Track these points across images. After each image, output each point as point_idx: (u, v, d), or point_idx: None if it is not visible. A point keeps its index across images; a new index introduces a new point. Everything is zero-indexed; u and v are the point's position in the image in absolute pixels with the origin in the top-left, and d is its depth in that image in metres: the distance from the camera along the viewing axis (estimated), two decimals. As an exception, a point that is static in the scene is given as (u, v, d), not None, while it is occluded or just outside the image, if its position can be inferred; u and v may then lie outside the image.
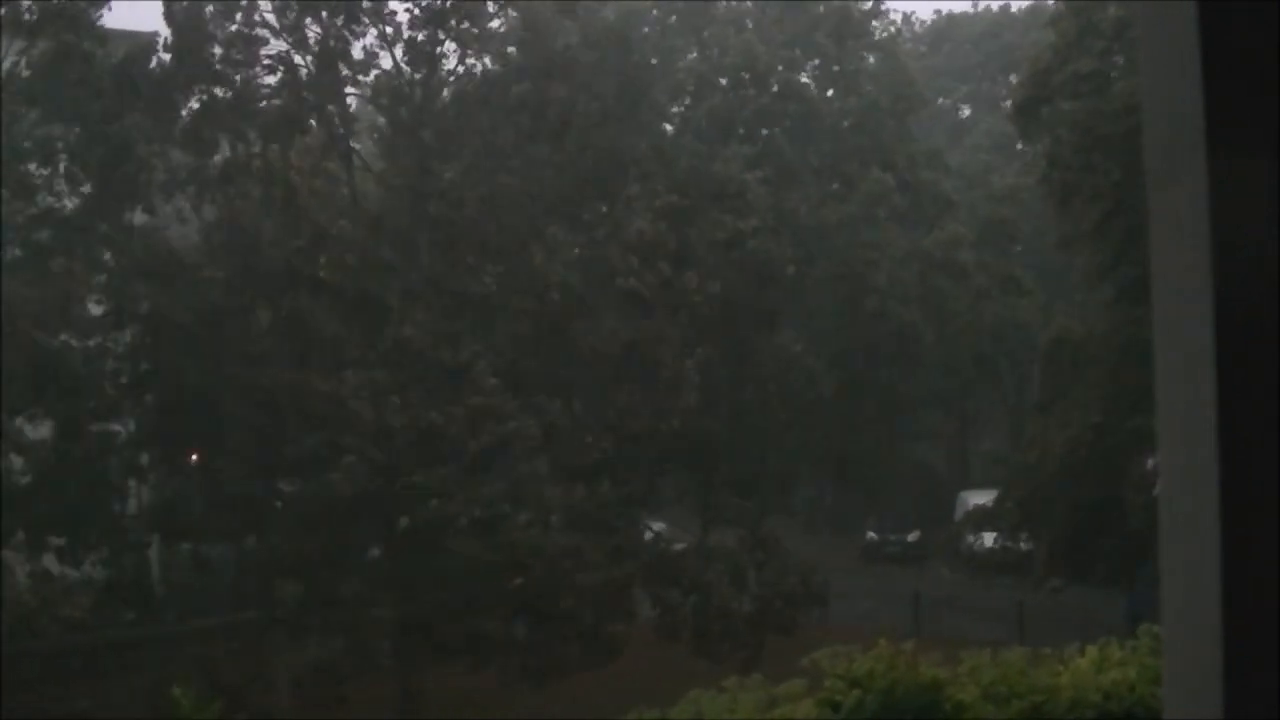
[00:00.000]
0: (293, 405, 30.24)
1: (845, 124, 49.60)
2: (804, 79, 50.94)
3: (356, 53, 33.51)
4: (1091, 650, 11.63)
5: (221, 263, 31.92)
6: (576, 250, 33.42)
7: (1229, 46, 1.74)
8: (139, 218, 33.15)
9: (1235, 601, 1.73)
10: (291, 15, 32.84)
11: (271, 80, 32.89)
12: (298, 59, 32.89)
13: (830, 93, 51.16)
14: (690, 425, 33.02)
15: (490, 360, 30.89)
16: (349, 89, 33.99)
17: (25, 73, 31.93)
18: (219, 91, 32.81)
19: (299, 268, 31.02)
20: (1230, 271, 1.74)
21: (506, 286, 32.47)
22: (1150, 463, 31.96)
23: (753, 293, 35.98)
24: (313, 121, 32.62)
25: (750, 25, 50.88)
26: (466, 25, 33.24)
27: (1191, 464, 1.80)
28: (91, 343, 32.28)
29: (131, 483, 33.23)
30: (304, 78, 32.77)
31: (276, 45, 32.98)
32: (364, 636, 30.90)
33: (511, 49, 34.28)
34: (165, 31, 33.06)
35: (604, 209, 34.37)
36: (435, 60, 33.64)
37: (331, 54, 32.83)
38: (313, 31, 33.02)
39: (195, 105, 32.88)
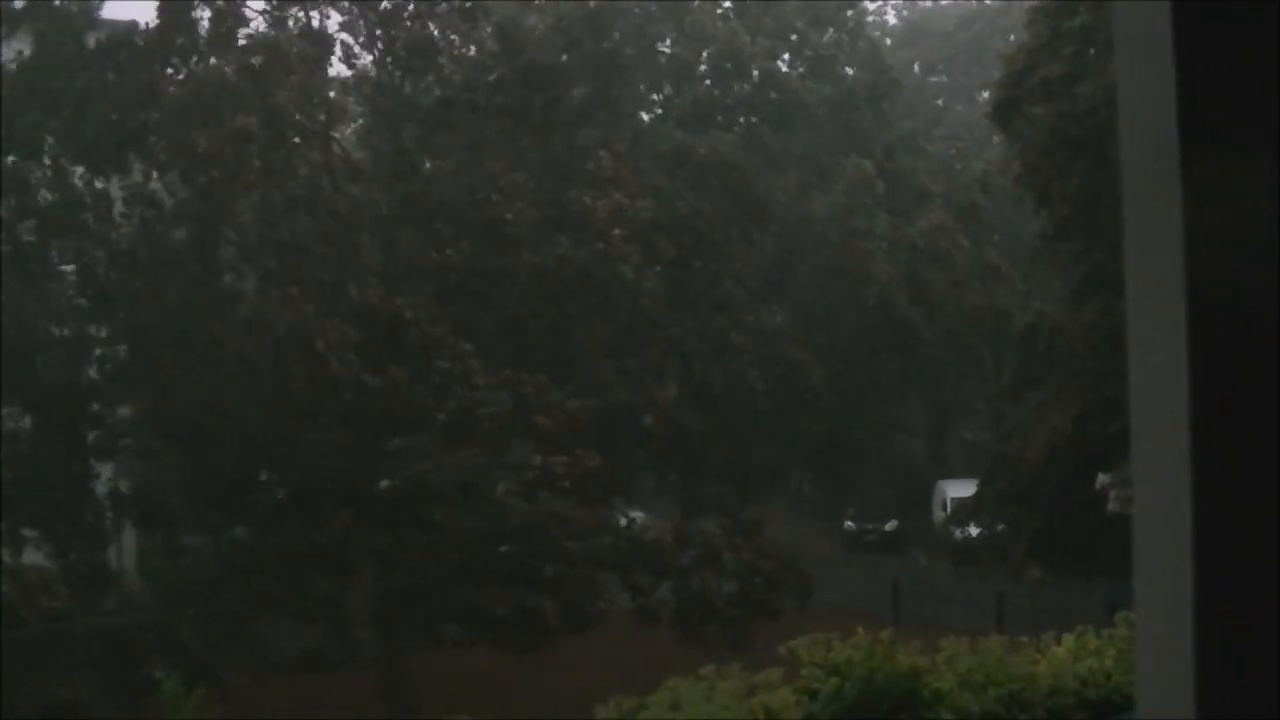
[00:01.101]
0: (274, 378, 30.22)
1: (822, 111, 49.60)
2: (783, 66, 50.92)
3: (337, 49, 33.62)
4: (1068, 639, 11.68)
5: (198, 234, 31.83)
6: (560, 237, 33.40)
7: (1204, 48, 1.75)
8: (117, 189, 33.05)
9: (1206, 592, 1.74)
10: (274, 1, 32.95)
11: (255, 62, 32.90)
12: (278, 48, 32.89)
13: (806, 79, 51.15)
14: (670, 413, 33.08)
15: (466, 335, 30.95)
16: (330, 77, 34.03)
17: (12, 66, 31.94)
18: (200, 72, 32.87)
19: (279, 235, 30.87)
20: (1204, 275, 1.75)
21: (487, 273, 32.45)
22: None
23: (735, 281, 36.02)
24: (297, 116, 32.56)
25: (731, 11, 50.82)
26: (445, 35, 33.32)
27: (1164, 463, 1.82)
28: (69, 331, 32.23)
29: (110, 471, 33.17)
30: (284, 63, 32.73)
31: (259, 30, 33.05)
32: (346, 620, 30.89)
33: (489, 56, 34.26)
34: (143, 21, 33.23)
35: (586, 200, 34.35)
36: (419, 54, 33.63)
37: (312, 40, 32.83)
38: (294, 18, 33.06)
39: (175, 89, 32.97)
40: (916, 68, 63.80)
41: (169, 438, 32.35)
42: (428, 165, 33.12)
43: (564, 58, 35.12)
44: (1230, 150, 1.75)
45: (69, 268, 32.66)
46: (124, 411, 32.96)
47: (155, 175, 32.98)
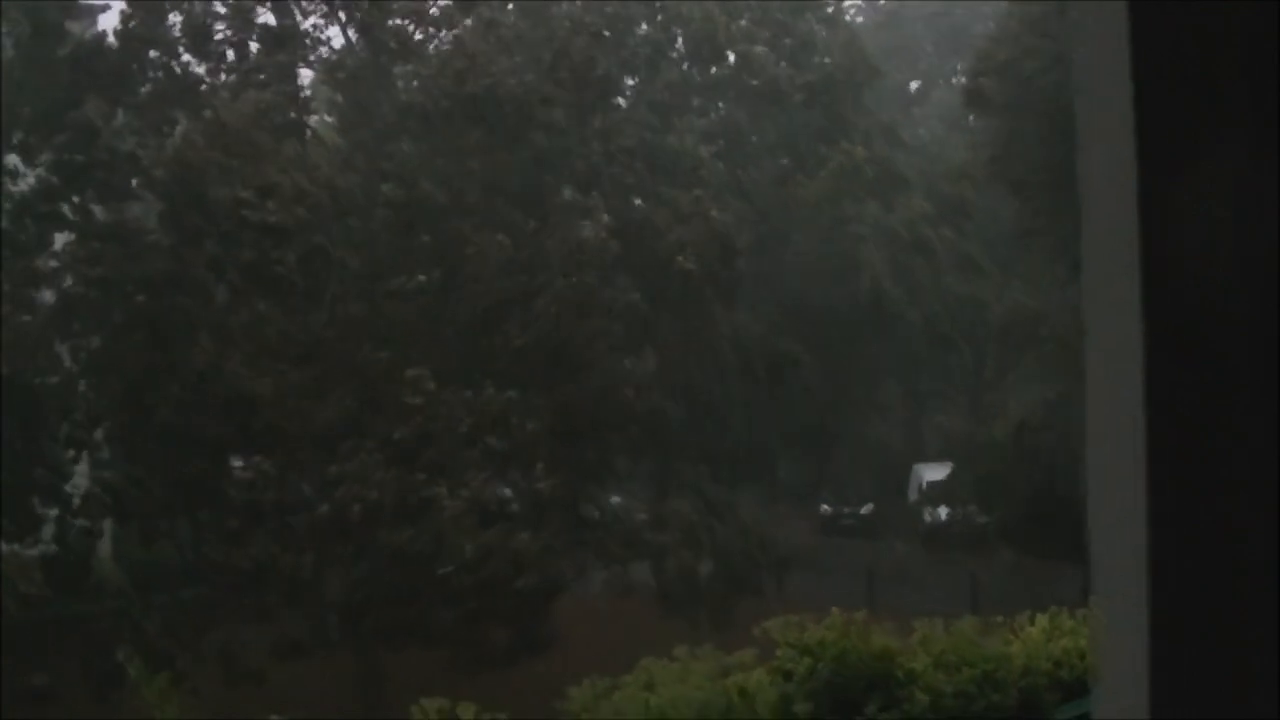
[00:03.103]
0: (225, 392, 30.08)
1: (800, 98, 49.54)
2: (761, 50, 50.79)
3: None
4: (1042, 620, 11.73)
5: (171, 227, 31.64)
6: (531, 224, 33.32)
7: (1160, 51, 1.75)
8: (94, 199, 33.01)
9: (1160, 581, 1.74)
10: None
11: (229, 54, 32.92)
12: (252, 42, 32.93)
13: (783, 64, 51.05)
14: (644, 398, 33.04)
15: (424, 350, 30.81)
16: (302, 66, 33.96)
17: None
18: (175, 68, 32.86)
19: (247, 217, 30.61)
20: (1159, 274, 1.75)
21: (455, 272, 32.26)
22: None
23: (712, 266, 35.93)
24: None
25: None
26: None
27: (1119, 456, 1.82)
28: (36, 319, 32.10)
29: (83, 459, 33.02)
30: (254, 53, 32.76)
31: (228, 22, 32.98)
32: (311, 617, 30.84)
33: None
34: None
35: (563, 194, 34.20)
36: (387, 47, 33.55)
37: (283, 30, 32.79)
38: (264, 8, 33.04)
39: (150, 87, 32.97)
40: (893, 56, 63.81)
41: (139, 431, 32.18)
42: (404, 150, 33.02)
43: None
44: (1186, 155, 1.75)
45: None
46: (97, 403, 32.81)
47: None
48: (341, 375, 30.91)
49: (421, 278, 31.80)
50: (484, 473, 30.12)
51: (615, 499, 36.02)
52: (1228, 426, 1.75)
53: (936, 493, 42.98)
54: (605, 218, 32.61)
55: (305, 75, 34.83)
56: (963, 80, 49.26)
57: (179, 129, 32.40)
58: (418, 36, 34.43)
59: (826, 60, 50.44)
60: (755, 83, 48.37)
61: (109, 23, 33.84)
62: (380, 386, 30.30)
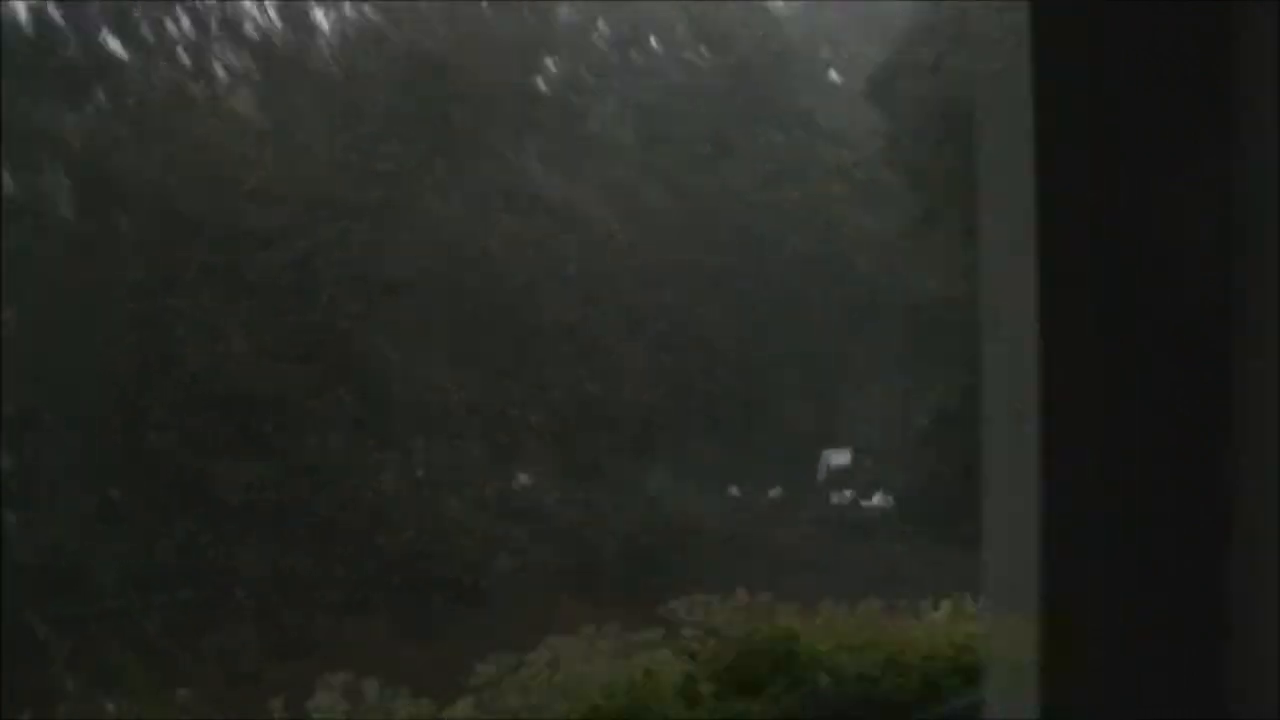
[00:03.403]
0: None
1: (720, 83, 49.56)
2: (680, 34, 50.76)
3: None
4: (945, 604, 11.86)
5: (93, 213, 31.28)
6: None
7: (1060, 49, 1.77)
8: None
9: (1050, 582, 1.76)
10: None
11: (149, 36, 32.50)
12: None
13: (703, 49, 51.08)
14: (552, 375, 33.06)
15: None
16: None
17: None
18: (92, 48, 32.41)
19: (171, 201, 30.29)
20: (1054, 270, 1.78)
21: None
22: None
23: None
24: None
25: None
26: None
27: (1012, 452, 1.85)
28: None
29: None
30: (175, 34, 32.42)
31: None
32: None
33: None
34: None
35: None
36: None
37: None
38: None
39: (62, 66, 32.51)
40: (816, 45, 63.97)
41: (64, 418, 31.74)
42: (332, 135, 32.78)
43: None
44: (1084, 144, 1.77)
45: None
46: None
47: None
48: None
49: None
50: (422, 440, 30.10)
51: (523, 476, 35.98)
52: (1123, 420, 1.77)
53: (843, 477, 43.24)
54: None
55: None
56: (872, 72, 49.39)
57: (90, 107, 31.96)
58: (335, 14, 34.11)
59: (747, 45, 50.53)
60: (675, 68, 48.39)
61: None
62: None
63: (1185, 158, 1.77)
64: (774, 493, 53.18)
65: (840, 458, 46.45)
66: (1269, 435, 1.73)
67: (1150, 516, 1.75)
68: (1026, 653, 1.75)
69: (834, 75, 63.56)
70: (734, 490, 53.37)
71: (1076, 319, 1.76)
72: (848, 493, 43.63)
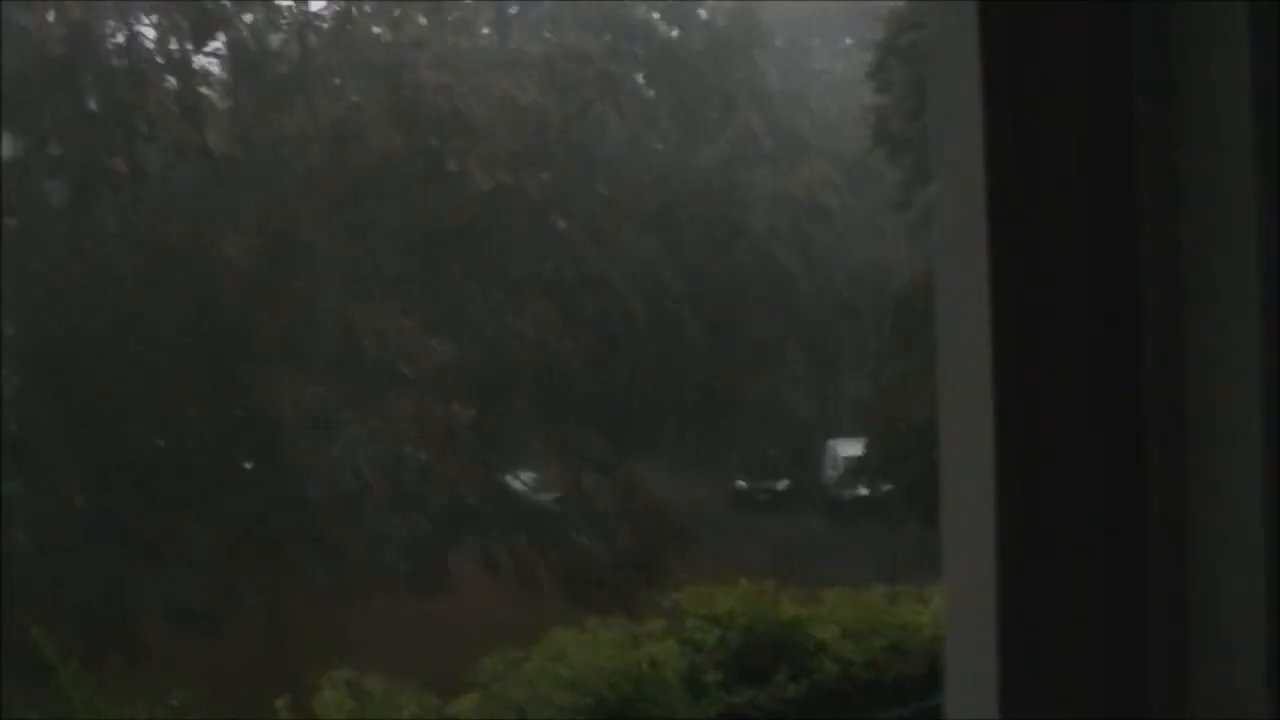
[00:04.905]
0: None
1: (694, 62, 49.28)
2: (654, 15, 50.45)
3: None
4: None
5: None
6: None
7: (1008, 48, 1.78)
8: None
9: (1008, 587, 1.77)
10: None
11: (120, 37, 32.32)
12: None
13: (676, 32, 50.68)
14: (550, 343, 32.98)
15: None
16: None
17: None
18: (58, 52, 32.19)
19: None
20: (1007, 270, 1.79)
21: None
22: None
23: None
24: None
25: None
26: None
27: (970, 454, 1.86)
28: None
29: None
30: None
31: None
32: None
33: None
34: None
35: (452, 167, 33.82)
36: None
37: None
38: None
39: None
40: (801, 25, 63.43)
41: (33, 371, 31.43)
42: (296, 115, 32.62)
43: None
44: (1035, 144, 1.79)
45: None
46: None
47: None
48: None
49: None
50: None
51: (527, 474, 35.86)
52: (1075, 417, 1.78)
53: (854, 468, 43.09)
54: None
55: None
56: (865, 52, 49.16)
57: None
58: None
59: (719, 24, 50.14)
60: (648, 48, 48.14)
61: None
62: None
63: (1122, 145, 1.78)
64: (782, 485, 53.06)
65: (847, 448, 46.33)
66: (1232, 428, 1.74)
67: (1109, 513, 1.76)
68: (987, 654, 1.76)
69: (816, 58, 62.98)
70: (741, 483, 53.26)
71: (1028, 313, 1.78)
72: (858, 488, 43.50)
